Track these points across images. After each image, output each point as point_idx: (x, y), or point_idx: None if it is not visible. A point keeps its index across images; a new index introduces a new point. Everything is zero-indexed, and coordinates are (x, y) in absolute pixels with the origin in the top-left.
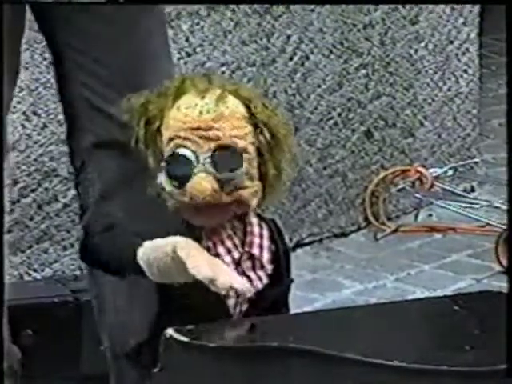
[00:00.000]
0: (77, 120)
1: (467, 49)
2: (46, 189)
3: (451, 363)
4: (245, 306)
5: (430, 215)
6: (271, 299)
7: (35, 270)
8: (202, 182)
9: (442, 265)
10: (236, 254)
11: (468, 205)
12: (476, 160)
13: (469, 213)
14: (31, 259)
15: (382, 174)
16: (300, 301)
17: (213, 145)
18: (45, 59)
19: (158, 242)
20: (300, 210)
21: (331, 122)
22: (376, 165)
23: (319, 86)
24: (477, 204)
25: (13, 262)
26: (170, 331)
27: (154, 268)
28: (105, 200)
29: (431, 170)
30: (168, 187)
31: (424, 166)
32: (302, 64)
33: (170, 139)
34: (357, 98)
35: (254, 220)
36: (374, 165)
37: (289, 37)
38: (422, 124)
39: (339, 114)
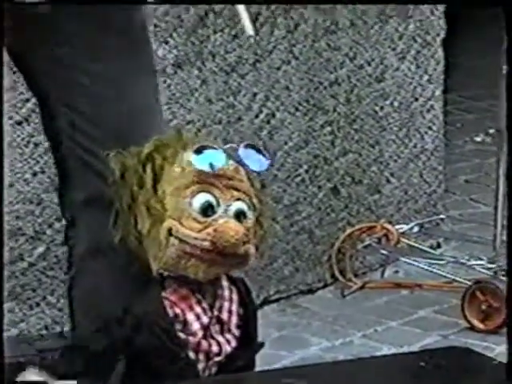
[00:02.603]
0: (68, 176)
1: (432, 106)
2: (12, 248)
3: None
4: (214, 370)
5: (397, 271)
6: (240, 362)
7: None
8: (236, 225)
9: (409, 321)
10: (205, 319)
11: (434, 261)
12: (442, 216)
13: (435, 269)
14: None
15: (349, 230)
16: (267, 358)
17: (235, 194)
18: (10, 118)
19: None
20: (267, 266)
21: (298, 178)
22: (342, 221)
23: (285, 144)
24: (443, 260)
25: None
26: None
27: None
28: (90, 257)
29: (397, 227)
30: (186, 231)
31: (390, 223)
32: (268, 122)
33: (193, 182)
34: (323, 154)
35: (225, 283)
36: (340, 221)
37: (255, 94)
38: (388, 181)
39: (306, 171)
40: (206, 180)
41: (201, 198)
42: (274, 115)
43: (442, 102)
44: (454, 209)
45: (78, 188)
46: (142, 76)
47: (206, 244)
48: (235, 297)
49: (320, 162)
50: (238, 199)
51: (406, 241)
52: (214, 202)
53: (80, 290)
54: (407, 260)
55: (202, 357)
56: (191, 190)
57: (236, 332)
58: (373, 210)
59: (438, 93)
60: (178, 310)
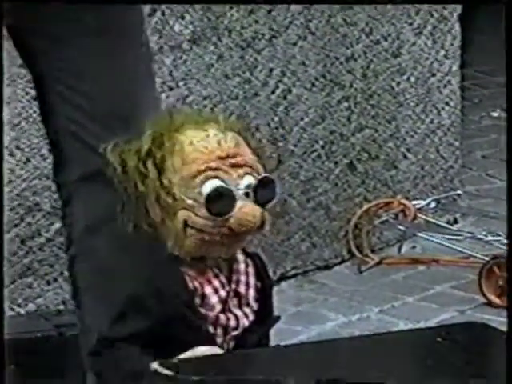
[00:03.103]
0: (63, 153)
1: (449, 81)
2: (29, 223)
3: None
4: (232, 344)
5: (414, 247)
6: (258, 336)
7: (19, 305)
8: (253, 209)
9: (426, 297)
10: (223, 293)
11: (451, 237)
12: (459, 192)
13: (452, 244)
14: (15, 294)
15: (366, 206)
16: (284, 333)
17: (241, 171)
18: (27, 94)
19: None
20: (283, 242)
21: (314, 154)
22: (359, 197)
23: (302, 119)
24: (460, 236)
25: None
26: (154, 365)
27: None
28: (89, 234)
29: (414, 202)
30: (202, 221)
31: (407, 198)
32: (285, 97)
33: (199, 172)
34: (339, 130)
35: (240, 257)
36: (357, 197)
37: (271, 70)
38: (404, 156)
39: (322, 147)
40: (210, 166)
41: (212, 186)
42: (290, 91)
43: (458, 78)
44: (471, 184)
45: (73, 165)
46: (137, 53)
47: (225, 230)
48: (251, 270)
49: (336, 138)
50: (246, 174)
51: (423, 216)
52: (231, 187)
53: (83, 268)
54: (424, 235)
55: (220, 331)
56: (199, 180)
57: (254, 305)
58: (389, 185)
59: (454, 68)
60: (196, 284)
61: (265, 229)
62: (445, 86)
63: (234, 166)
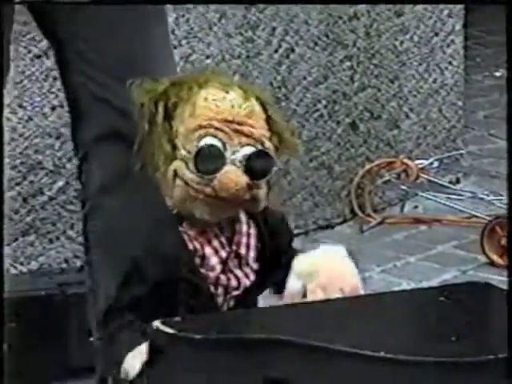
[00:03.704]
0: (80, 111)
1: (452, 40)
2: (32, 182)
3: (437, 354)
4: (232, 303)
5: (416, 207)
6: (258, 296)
7: (21, 264)
8: (238, 176)
9: (428, 256)
10: (223, 254)
11: (453, 196)
12: (461, 152)
13: (454, 204)
14: (17, 252)
15: (368, 165)
16: None
17: (244, 140)
18: (29, 52)
19: None
20: (286, 202)
21: (317, 114)
22: (362, 157)
23: (304, 78)
24: (462, 195)
25: None
26: (156, 323)
27: None
28: (104, 193)
29: (417, 162)
30: (190, 175)
31: (409, 158)
32: (288, 56)
33: (200, 126)
34: (342, 90)
35: (243, 218)
36: (359, 157)
37: (274, 29)
38: (407, 116)
39: (325, 106)
40: (212, 124)
41: (206, 142)
42: (293, 50)
43: (462, 37)
44: (474, 144)
45: (91, 123)
46: (152, 8)
47: (209, 190)
48: (253, 231)
49: (339, 97)
50: (248, 145)
51: (426, 176)
52: (221, 147)
53: (95, 227)
54: (426, 195)
55: (220, 291)
56: (198, 134)
57: (254, 266)
58: (392, 145)
59: (458, 27)
60: (196, 244)
61: (259, 205)
62: (448, 46)
63: (238, 132)
